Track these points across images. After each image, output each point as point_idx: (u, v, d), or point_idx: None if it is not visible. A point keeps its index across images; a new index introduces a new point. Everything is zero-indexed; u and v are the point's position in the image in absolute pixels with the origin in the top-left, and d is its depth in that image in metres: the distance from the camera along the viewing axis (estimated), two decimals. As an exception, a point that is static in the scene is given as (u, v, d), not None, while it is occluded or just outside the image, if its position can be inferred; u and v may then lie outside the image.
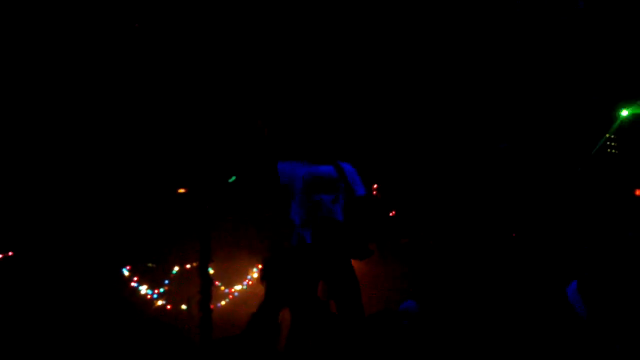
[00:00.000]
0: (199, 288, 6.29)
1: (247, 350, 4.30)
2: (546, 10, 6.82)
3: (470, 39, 7.15)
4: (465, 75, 7.43)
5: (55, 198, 6.73)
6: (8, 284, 6.29)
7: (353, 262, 4.02)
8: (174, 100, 6.78)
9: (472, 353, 4.70)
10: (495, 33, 7.10)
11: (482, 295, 6.35)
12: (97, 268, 6.89)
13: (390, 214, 8.16)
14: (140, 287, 7.35)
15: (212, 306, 6.40)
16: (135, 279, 7.37)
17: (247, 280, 7.92)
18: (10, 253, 6.56)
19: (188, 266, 7.56)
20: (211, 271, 6.46)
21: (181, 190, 7.36)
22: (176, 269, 7.59)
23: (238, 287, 7.83)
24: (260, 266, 7.23)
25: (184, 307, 7.43)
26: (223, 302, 7.66)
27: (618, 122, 8.04)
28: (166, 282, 7.54)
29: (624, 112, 8.01)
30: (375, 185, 7.74)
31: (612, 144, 8.36)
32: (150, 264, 7.51)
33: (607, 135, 8.28)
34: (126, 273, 7.37)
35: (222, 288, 7.73)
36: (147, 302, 7.36)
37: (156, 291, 7.44)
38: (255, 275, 7.62)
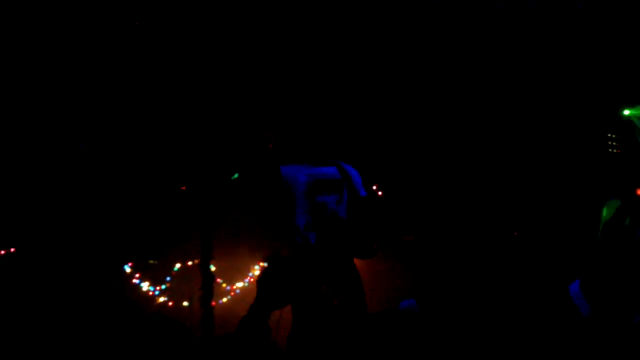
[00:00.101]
0: (201, 285, 6.30)
1: (248, 347, 4.31)
2: (546, 10, 6.81)
3: (471, 38, 7.15)
4: (467, 75, 7.44)
5: (57, 195, 6.75)
6: (10, 280, 6.31)
7: (355, 261, 4.03)
8: (176, 97, 6.79)
9: (474, 352, 4.71)
10: (496, 33, 7.10)
11: (483, 294, 6.36)
12: (99, 265, 6.91)
13: (401, 214, 8.16)
14: (142, 284, 7.36)
15: (213, 303, 6.41)
16: (137, 275, 7.39)
17: (248, 278, 7.93)
18: (12, 249, 6.58)
19: (190, 263, 7.58)
20: (213, 268, 6.46)
21: (182, 188, 7.37)
22: (178, 265, 7.61)
23: (240, 284, 7.85)
24: (262, 264, 7.26)
25: (185, 303, 7.45)
26: (225, 299, 7.68)
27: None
28: (168, 278, 7.55)
29: (626, 112, 8.01)
30: (376, 185, 7.74)
31: (614, 143, 8.36)
32: (152, 261, 7.52)
33: (609, 135, 8.28)
34: (128, 270, 7.38)
35: (224, 285, 7.74)
36: (149, 299, 7.37)
37: (158, 288, 7.45)
38: (257, 272, 7.64)
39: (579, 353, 3.54)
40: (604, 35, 7.06)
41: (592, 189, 8.05)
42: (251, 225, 7.74)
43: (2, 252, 6.53)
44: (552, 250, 7.48)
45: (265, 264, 4.78)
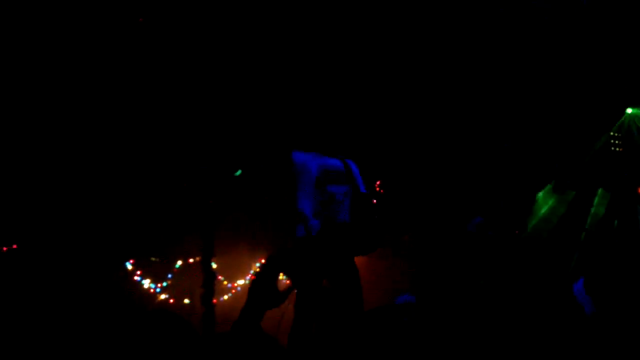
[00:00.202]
0: (202, 282, 6.32)
1: (249, 345, 4.31)
2: (549, 8, 6.81)
3: (473, 37, 7.15)
4: (469, 74, 7.44)
5: (59, 193, 6.76)
6: (12, 277, 6.32)
7: (355, 258, 4.03)
8: (177, 94, 6.80)
9: (474, 350, 4.71)
10: (498, 31, 7.10)
11: (485, 293, 6.36)
12: (101, 262, 6.92)
13: (400, 212, 8.16)
14: (144, 281, 7.37)
15: (214, 300, 6.42)
16: (139, 272, 7.39)
17: (249, 275, 7.94)
18: (14, 246, 6.58)
19: (191, 260, 7.58)
20: (214, 266, 6.47)
21: (184, 185, 7.38)
22: (179, 263, 7.62)
23: (240, 282, 7.87)
24: (263, 261, 7.26)
25: (186, 301, 7.45)
26: (226, 297, 7.69)
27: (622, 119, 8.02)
28: (169, 276, 7.56)
29: (629, 110, 8.01)
30: (378, 182, 7.75)
31: (616, 142, 8.36)
32: (153, 258, 7.53)
33: (611, 134, 8.27)
34: (129, 267, 7.39)
35: (225, 282, 7.76)
36: (151, 296, 7.38)
37: (159, 285, 7.46)
38: (257, 270, 7.64)
39: (582, 349, 3.55)
40: (604, 35, 7.06)
41: (592, 189, 8.04)
42: (251, 224, 7.75)
43: (4, 248, 6.53)
44: (553, 249, 7.47)
45: (264, 261, 4.79)
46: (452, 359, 4.57)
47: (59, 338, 5.35)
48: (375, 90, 7.39)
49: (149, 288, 7.40)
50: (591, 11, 6.73)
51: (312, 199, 3.79)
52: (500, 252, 6.93)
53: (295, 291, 4.04)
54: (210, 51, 6.55)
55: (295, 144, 4.00)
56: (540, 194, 8.24)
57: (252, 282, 4.67)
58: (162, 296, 7.46)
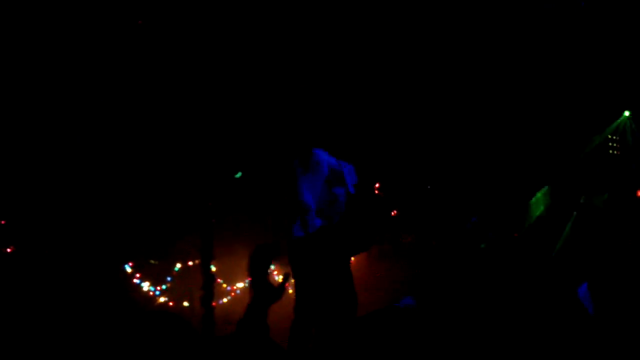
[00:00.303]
0: (201, 285, 6.32)
1: (249, 345, 4.31)
2: (549, 9, 6.84)
3: (472, 39, 7.17)
4: (470, 74, 7.45)
5: (59, 195, 6.76)
6: (10, 279, 6.31)
7: (354, 260, 4.05)
8: (177, 96, 6.81)
9: (475, 352, 4.71)
10: (497, 33, 7.12)
11: (486, 296, 6.36)
12: (100, 264, 6.92)
13: (392, 214, 8.18)
14: (143, 284, 7.36)
15: (214, 303, 6.43)
16: (138, 275, 7.39)
17: (248, 278, 7.93)
18: (14, 248, 6.58)
19: (190, 263, 7.58)
20: (213, 268, 6.48)
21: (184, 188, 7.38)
22: (178, 265, 7.61)
23: (240, 285, 7.85)
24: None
25: (186, 303, 7.45)
26: (225, 299, 7.68)
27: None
28: (168, 278, 7.55)
29: (627, 113, 8.03)
30: (377, 184, 7.76)
31: (614, 145, 8.38)
32: (152, 261, 7.52)
33: (609, 136, 8.29)
34: (129, 269, 7.39)
35: (224, 285, 7.75)
36: (150, 299, 7.37)
37: (158, 288, 7.45)
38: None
39: (585, 352, 3.55)
40: (604, 36, 7.09)
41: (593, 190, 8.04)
42: (251, 226, 7.75)
43: (5, 250, 6.53)
44: (554, 252, 7.48)
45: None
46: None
47: (59, 339, 5.35)
48: (375, 90, 7.41)
49: (149, 291, 7.39)
50: (590, 12, 6.76)
51: (318, 197, 3.83)
52: (500, 252, 6.94)
53: (295, 291, 4.06)
54: (210, 52, 6.56)
55: (295, 144, 4.02)
56: (539, 195, 8.25)
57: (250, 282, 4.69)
58: (162, 299, 7.45)
